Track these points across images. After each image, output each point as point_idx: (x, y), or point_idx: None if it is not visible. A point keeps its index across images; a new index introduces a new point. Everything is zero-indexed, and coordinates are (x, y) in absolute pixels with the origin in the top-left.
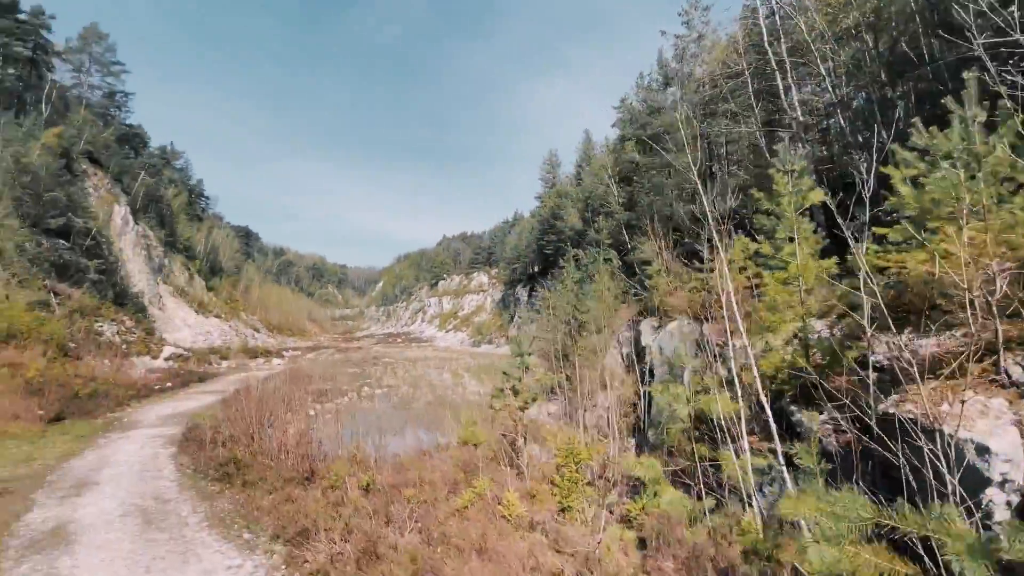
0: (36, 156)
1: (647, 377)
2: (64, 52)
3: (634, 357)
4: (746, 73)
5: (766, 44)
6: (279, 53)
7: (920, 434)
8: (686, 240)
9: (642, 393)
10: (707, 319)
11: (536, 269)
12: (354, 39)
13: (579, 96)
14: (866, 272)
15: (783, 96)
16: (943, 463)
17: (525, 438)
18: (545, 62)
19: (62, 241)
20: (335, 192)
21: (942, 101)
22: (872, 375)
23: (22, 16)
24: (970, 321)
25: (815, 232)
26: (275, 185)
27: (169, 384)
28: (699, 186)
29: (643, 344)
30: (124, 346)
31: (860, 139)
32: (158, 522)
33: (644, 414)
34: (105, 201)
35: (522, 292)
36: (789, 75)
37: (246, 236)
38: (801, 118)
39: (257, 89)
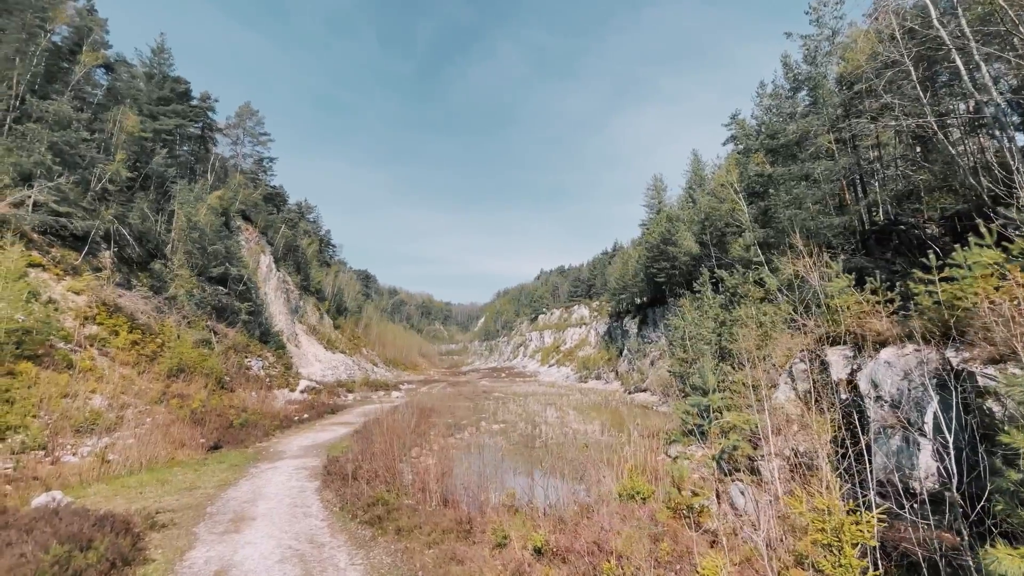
0: (203, 216)
1: (843, 418)
2: (224, 128)
3: (817, 394)
4: (906, 61)
5: (935, 21)
6: (393, 118)
7: None
8: (838, 255)
9: (868, 443)
10: (952, 342)
11: (645, 299)
12: (456, 99)
13: (673, 123)
14: None
15: (966, 79)
16: None
17: (719, 495)
18: (634, 95)
19: (221, 287)
20: (440, 235)
21: None
22: None
23: (194, 102)
24: None
25: None
26: (389, 232)
27: (306, 416)
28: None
29: (834, 377)
30: (268, 379)
31: None
32: (318, 574)
33: (868, 467)
34: (254, 252)
35: (630, 324)
36: (974, 53)
37: (365, 279)
38: (997, 98)
39: (374, 150)
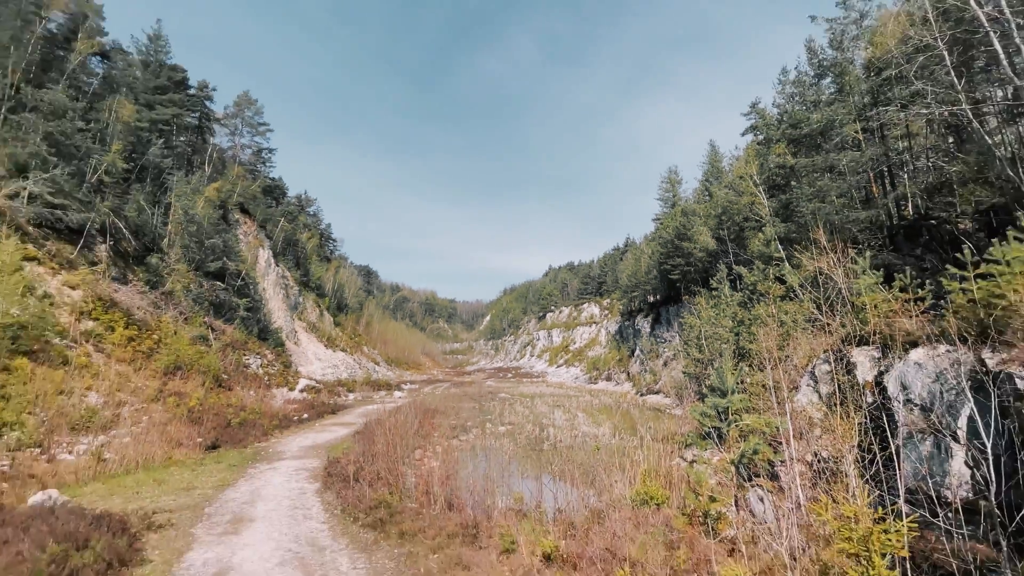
0: (200, 209)
1: (870, 422)
2: (223, 118)
3: (842, 396)
4: (939, 45)
5: (972, 2)
6: (397, 107)
7: None
8: (865, 251)
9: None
10: (989, 342)
11: (658, 297)
12: (463, 88)
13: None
14: None
15: (1005, 63)
16: None
17: (738, 501)
18: (649, 83)
19: (219, 282)
20: (444, 230)
21: None
22: None
23: (191, 91)
24: None
25: None
26: (392, 226)
27: (306, 415)
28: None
29: (860, 379)
30: (267, 378)
31: None
32: None
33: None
34: (252, 246)
35: (643, 323)
36: (1014, 35)
37: (367, 275)
38: None
39: (377, 140)
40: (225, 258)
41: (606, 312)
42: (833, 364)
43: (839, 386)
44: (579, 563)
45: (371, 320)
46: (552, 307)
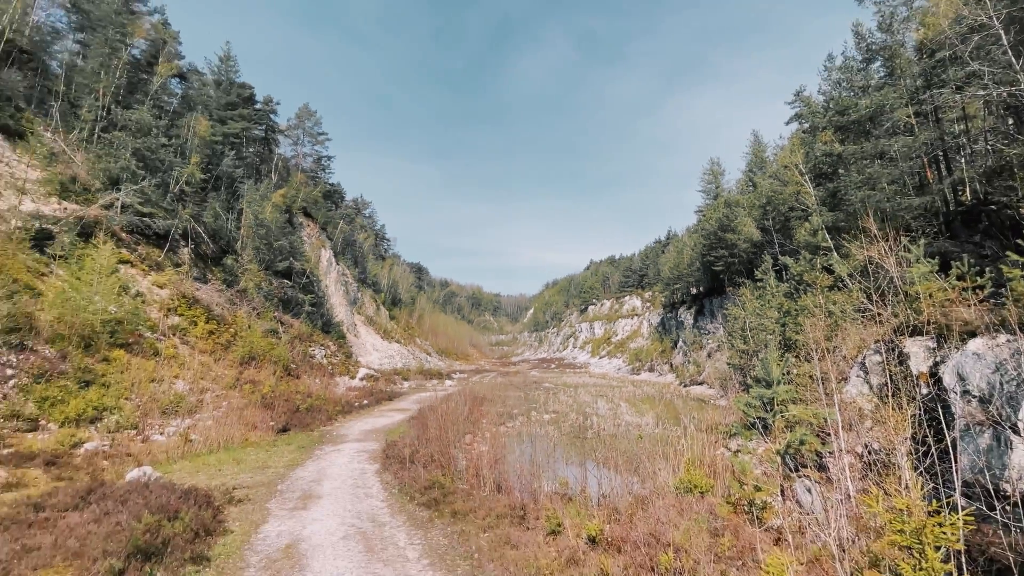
0: (268, 213)
1: (924, 414)
2: (286, 129)
3: (895, 388)
4: (995, 24)
5: None
6: (441, 113)
7: None
8: (919, 238)
9: (953, 441)
10: None
11: (702, 289)
12: (503, 91)
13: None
14: None
15: None
16: None
17: (783, 491)
18: (689, 76)
19: (286, 280)
20: (489, 227)
21: None
22: None
23: (257, 106)
24: None
25: None
26: (440, 225)
27: (365, 401)
28: None
29: (914, 370)
30: (330, 367)
31: None
32: (379, 551)
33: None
34: (315, 246)
35: (686, 315)
36: None
37: (418, 271)
38: None
39: (423, 145)
40: (291, 258)
41: (648, 304)
42: (885, 355)
43: (891, 377)
44: (623, 546)
45: (422, 313)
46: (593, 300)
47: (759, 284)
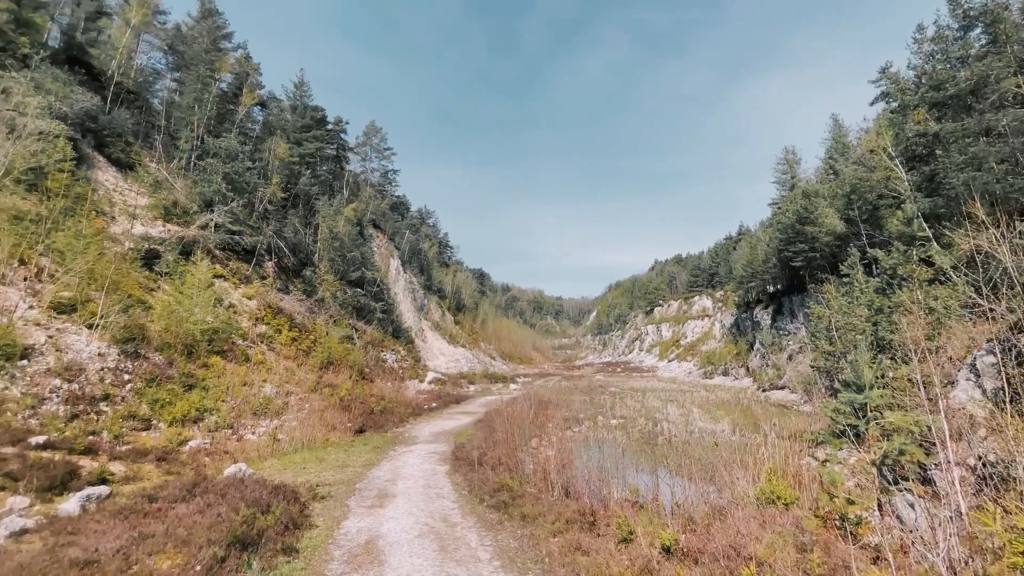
0: (341, 227)
1: None
2: (355, 147)
3: (1014, 392)
4: None
5: None
6: (500, 119)
7: None
8: None
9: None
10: None
11: (779, 287)
12: (561, 93)
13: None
14: None
15: None
16: None
17: (881, 506)
18: (756, 64)
19: (359, 289)
20: (549, 231)
21: None
22: None
23: (329, 126)
24: None
25: None
26: (500, 231)
27: (434, 404)
28: None
29: None
30: (400, 371)
31: None
32: (451, 551)
33: None
34: (384, 256)
35: (762, 315)
36: None
37: (480, 277)
38: None
39: (485, 152)
40: (363, 268)
41: (720, 304)
42: (1000, 355)
43: (1008, 380)
44: (700, 558)
45: (486, 318)
46: (660, 301)
47: (845, 280)
